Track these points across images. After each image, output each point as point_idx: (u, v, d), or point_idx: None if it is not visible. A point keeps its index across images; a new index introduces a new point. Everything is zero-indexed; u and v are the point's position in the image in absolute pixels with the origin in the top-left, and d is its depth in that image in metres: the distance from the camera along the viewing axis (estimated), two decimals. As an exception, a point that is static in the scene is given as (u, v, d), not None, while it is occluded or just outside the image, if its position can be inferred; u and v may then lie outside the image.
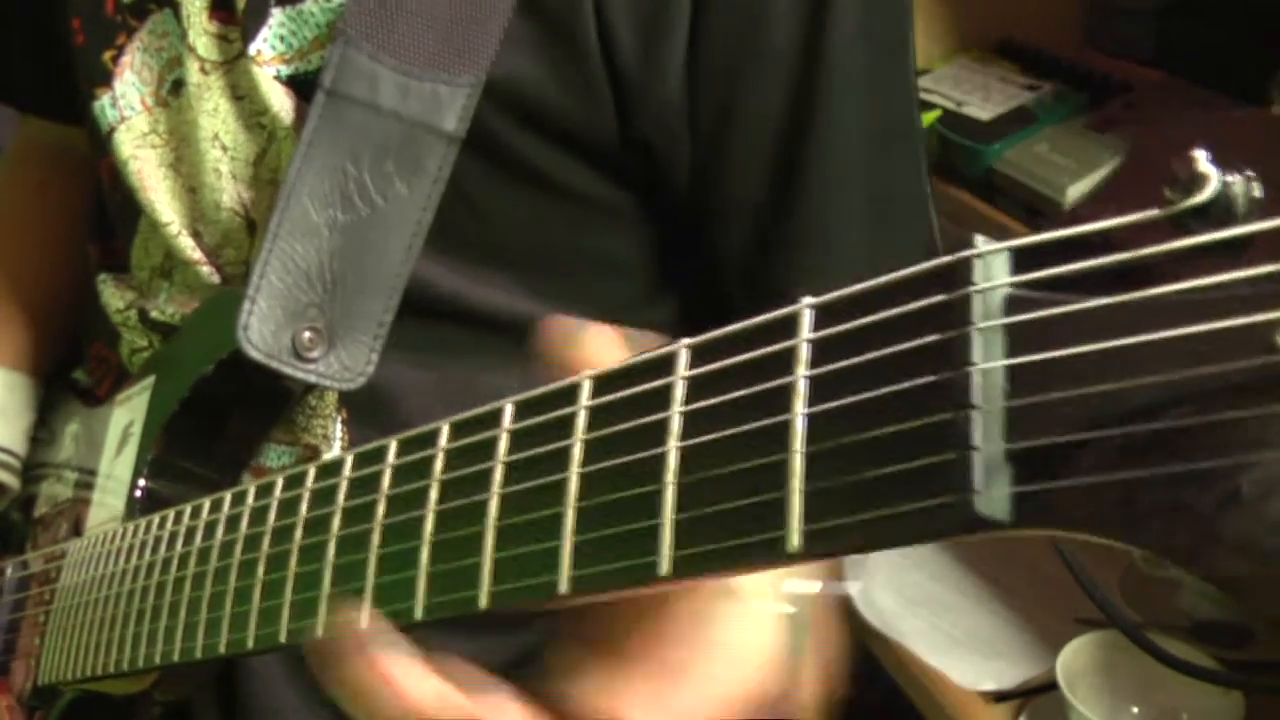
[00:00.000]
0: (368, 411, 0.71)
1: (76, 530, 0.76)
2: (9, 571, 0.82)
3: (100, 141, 0.77)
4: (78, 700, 0.72)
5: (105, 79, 0.75)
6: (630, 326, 0.74)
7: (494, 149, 0.66)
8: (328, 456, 0.69)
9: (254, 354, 0.64)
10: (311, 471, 0.54)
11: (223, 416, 0.71)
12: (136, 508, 0.70)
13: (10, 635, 0.79)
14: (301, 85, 0.68)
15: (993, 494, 0.28)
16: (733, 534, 0.33)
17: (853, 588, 1.13)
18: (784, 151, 0.68)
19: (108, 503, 0.74)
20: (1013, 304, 0.29)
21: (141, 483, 0.71)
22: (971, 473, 0.28)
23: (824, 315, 0.33)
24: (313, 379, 0.65)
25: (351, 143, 0.64)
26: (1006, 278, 0.30)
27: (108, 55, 0.75)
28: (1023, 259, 0.30)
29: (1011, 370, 0.29)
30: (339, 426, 0.71)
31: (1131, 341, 0.27)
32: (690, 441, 0.35)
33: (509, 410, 0.43)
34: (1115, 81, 1.01)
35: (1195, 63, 1.04)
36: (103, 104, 0.75)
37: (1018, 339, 0.29)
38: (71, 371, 0.90)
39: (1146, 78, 1.02)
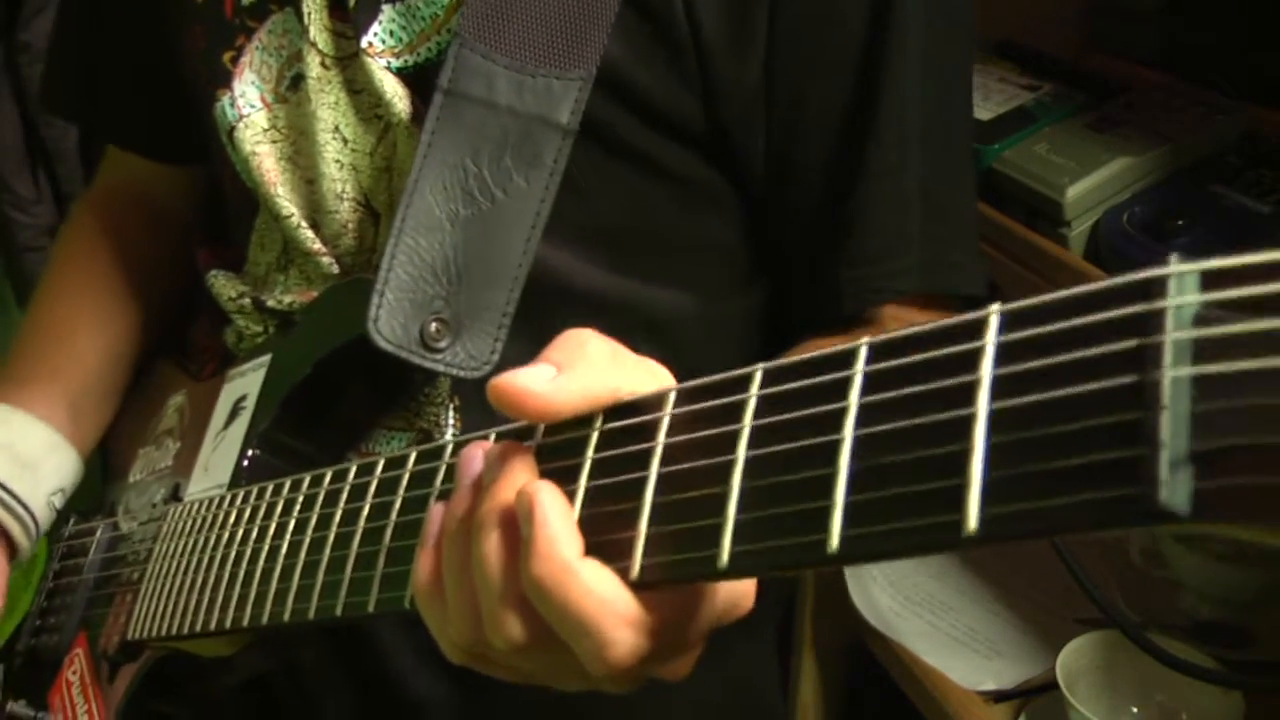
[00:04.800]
0: (480, 397, 0.73)
1: (175, 495, 0.79)
2: (99, 532, 0.84)
3: (220, 142, 0.80)
4: (161, 659, 0.74)
5: (225, 80, 0.79)
6: (727, 308, 0.77)
7: (597, 133, 0.70)
8: (434, 442, 0.72)
9: (384, 345, 0.66)
10: (413, 454, 0.57)
11: (338, 399, 0.74)
12: (243, 476, 0.73)
13: (97, 592, 0.82)
14: (412, 77, 0.72)
15: (1176, 488, 0.31)
16: (905, 517, 0.36)
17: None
18: (846, 140, 0.71)
19: (211, 471, 0.76)
20: (1200, 320, 0.32)
21: (250, 453, 0.73)
22: (1158, 467, 0.31)
23: (1010, 321, 0.36)
24: (440, 369, 0.67)
25: (470, 139, 0.68)
26: (1197, 295, 0.32)
27: (227, 56, 0.79)
28: (1211, 279, 0.33)
29: (1198, 378, 0.31)
30: (451, 413, 0.74)
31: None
32: (865, 430, 0.38)
33: (673, 396, 0.45)
34: (1115, 81, 1.01)
35: (1195, 63, 1.04)
36: (223, 105, 0.79)
37: (1204, 351, 0.32)
38: (170, 350, 0.93)
39: (1146, 78, 1.02)
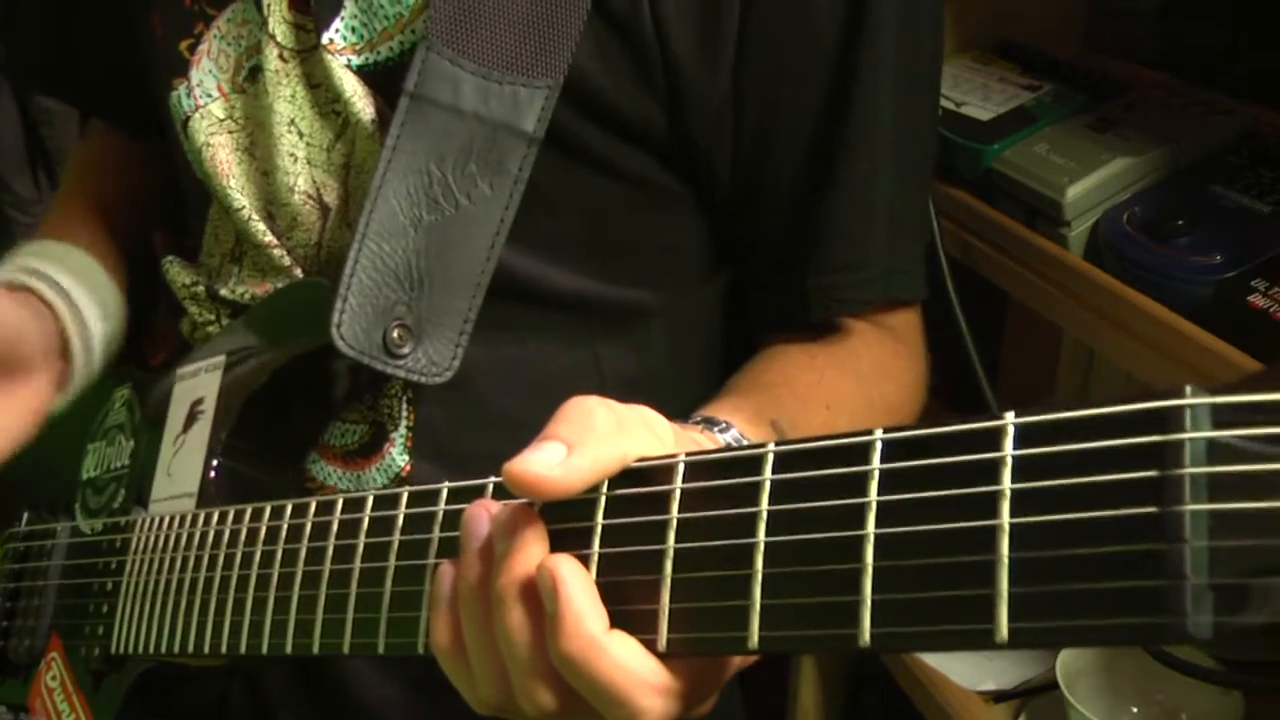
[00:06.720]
0: (435, 390, 0.74)
1: (139, 499, 0.78)
2: (59, 534, 0.84)
3: (175, 132, 0.78)
4: (148, 669, 0.75)
5: (182, 69, 0.76)
6: (690, 303, 0.79)
7: (562, 141, 0.69)
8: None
9: (348, 351, 0.66)
10: (405, 494, 0.57)
11: (297, 402, 0.74)
12: (210, 486, 0.73)
13: (67, 600, 0.81)
14: (372, 77, 0.70)
15: (1199, 620, 0.34)
16: (937, 620, 0.38)
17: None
18: (816, 149, 0.72)
19: (176, 477, 0.76)
20: (1215, 450, 0.34)
21: (215, 462, 0.73)
22: (1185, 599, 0.34)
23: (1026, 435, 0.38)
24: (402, 374, 0.68)
25: (435, 144, 0.67)
26: (1209, 424, 0.35)
27: (184, 45, 0.76)
28: (1223, 414, 0.35)
29: (1214, 513, 0.34)
30: (405, 405, 0.74)
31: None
32: (888, 530, 0.40)
33: (681, 469, 0.47)
34: (1115, 81, 1.02)
35: (1195, 63, 1.05)
36: (178, 94, 0.76)
37: (1221, 484, 0.34)
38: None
39: (1146, 78, 1.04)
